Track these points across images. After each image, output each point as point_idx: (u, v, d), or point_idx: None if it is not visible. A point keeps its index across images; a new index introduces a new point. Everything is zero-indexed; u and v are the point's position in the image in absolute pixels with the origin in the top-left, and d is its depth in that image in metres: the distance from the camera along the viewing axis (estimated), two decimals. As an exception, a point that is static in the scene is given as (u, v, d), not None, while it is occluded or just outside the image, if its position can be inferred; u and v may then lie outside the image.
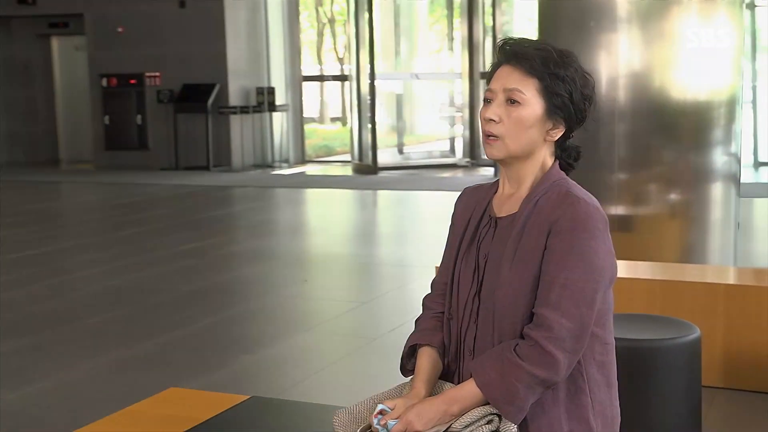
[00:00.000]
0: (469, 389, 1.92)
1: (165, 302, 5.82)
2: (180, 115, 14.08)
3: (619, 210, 5.41)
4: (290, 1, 14.93)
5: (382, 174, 13.48)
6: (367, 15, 13.39)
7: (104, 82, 14.69)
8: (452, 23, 14.76)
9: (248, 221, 9.72)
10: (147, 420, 2.52)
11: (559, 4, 5.49)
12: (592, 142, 5.41)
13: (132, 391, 3.83)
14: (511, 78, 1.95)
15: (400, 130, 14.93)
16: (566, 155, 2.05)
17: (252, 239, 8.52)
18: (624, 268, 4.43)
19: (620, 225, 5.41)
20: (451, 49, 14.92)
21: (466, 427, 1.93)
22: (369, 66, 13.47)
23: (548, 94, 1.94)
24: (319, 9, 21.46)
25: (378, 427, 1.91)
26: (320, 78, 15.62)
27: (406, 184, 12.27)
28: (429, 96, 15.86)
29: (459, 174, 13.53)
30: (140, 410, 2.62)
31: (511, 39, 1.98)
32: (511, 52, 1.96)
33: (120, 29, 14.45)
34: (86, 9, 14.72)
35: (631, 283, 4.14)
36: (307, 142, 15.84)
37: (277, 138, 14.84)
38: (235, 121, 14.13)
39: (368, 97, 13.63)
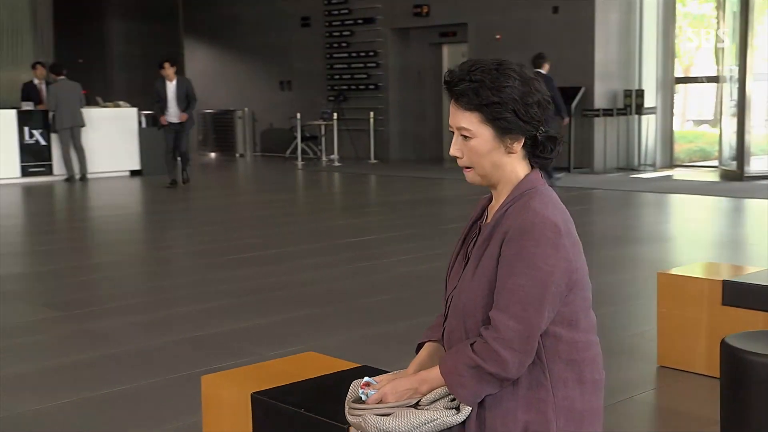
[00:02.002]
0: (436, 374, 2.19)
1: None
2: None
3: None
4: (666, 1, 14.56)
5: (752, 182, 12.66)
6: (742, 14, 12.65)
7: (481, 86, 15.57)
8: None
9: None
10: (265, 372, 3.00)
11: None
12: None
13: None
14: (456, 116, 2.14)
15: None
16: (540, 151, 2.18)
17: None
18: None
19: None
20: None
21: (432, 402, 2.18)
22: (742, 67, 12.72)
23: (491, 120, 2.09)
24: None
25: (362, 395, 2.26)
26: (695, 80, 15.00)
27: (771, 192, 11.44)
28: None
29: None
30: (270, 365, 3.13)
31: (449, 73, 2.13)
32: (450, 91, 2.13)
33: (498, 36, 15.23)
34: (471, 18, 15.74)
35: None
36: (681, 146, 15.32)
37: (644, 141, 14.60)
38: (599, 124, 14.19)
39: (740, 100, 12.88)
